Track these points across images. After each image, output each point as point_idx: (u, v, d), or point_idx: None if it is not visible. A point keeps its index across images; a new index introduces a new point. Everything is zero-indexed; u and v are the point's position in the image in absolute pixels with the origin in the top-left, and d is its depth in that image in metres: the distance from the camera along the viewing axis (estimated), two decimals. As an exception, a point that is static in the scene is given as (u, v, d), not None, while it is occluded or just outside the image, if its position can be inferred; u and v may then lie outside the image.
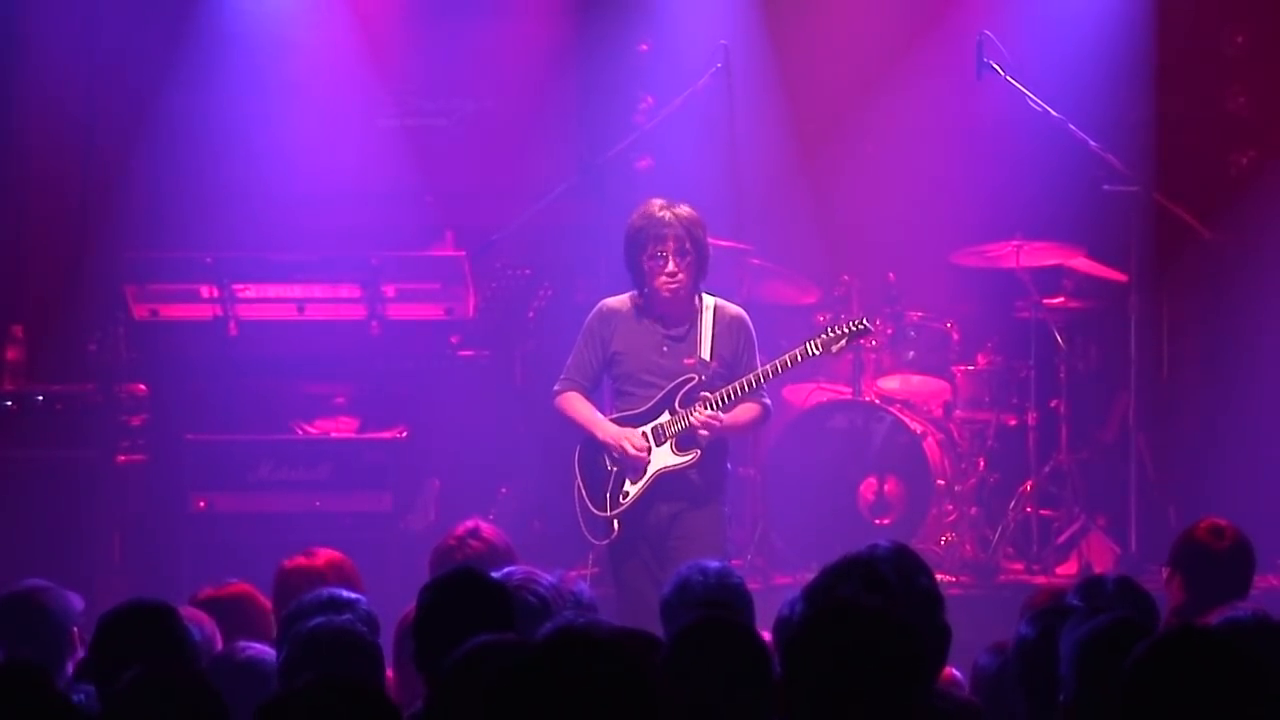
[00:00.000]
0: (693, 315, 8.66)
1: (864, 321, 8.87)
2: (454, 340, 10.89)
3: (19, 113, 12.20)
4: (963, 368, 11.56)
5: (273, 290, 10.80)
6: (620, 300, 8.74)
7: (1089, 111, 11.25)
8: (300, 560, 6.90)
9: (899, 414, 11.24)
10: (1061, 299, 11.57)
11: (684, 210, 8.57)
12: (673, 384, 8.61)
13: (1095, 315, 11.67)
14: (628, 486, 8.62)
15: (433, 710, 4.61)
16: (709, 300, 8.70)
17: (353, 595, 5.77)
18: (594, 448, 8.71)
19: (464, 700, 4.44)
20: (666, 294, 8.58)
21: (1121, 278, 11.31)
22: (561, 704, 3.15)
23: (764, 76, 12.14)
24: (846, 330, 8.77)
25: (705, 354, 8.62)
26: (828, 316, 11.46)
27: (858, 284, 11.63)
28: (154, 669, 4.65)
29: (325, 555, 6.93)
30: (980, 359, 11.59)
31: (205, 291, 10.72)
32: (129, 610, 5.45)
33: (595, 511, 8.67)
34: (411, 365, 10.85)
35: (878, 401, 11.32)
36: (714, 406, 8.54)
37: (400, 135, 12.74)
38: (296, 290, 10.81)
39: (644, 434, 8.62)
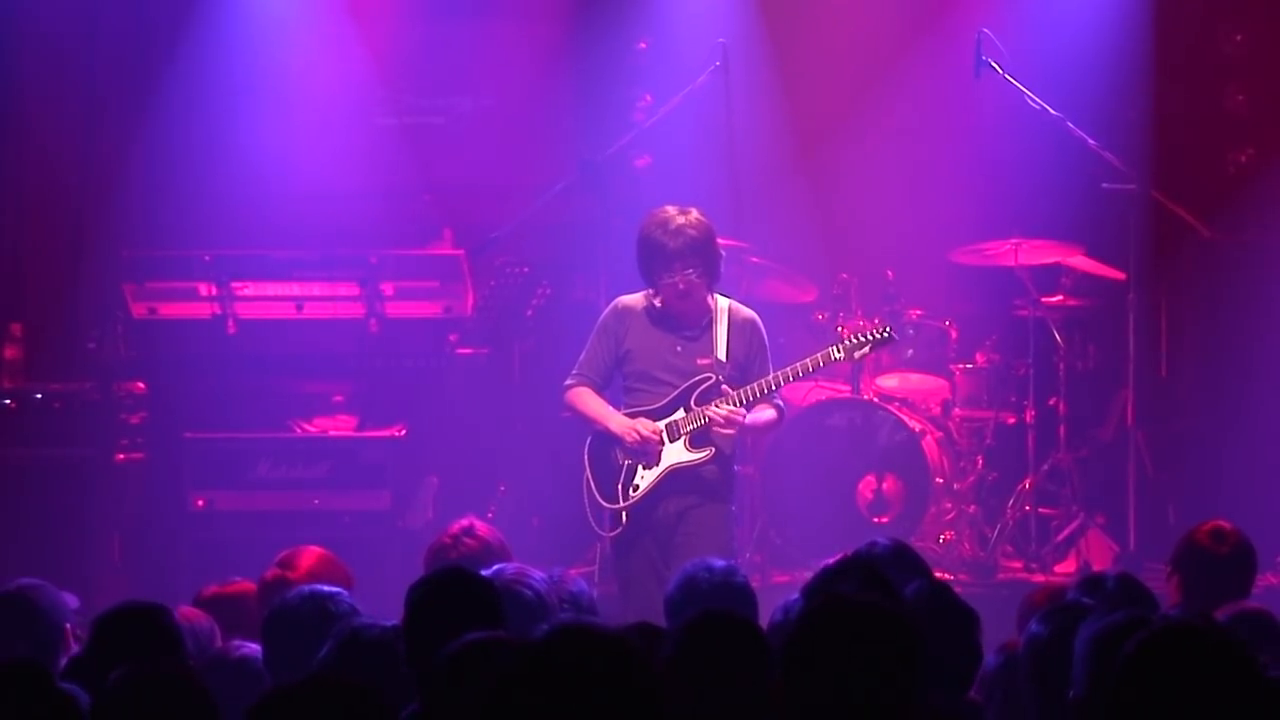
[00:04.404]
0: (707, 316, 8.69)
1: (889, 330, 8.90)
2: (452, 338, 10.89)
3: (17, 112, 12.20)
4: (961, 366, 11.56)
5: (271, 288, 10.80)
6: (635, 299, 8.76)
7: (1087, 109, 11.25)
8: (275, 572, 6.84)
9: (898, 412, 11.24)
10: (1060, 297, 11.57)
11: (693, 225, 8.54)
12: (688, 382, 8.64)
13: (1094, 313, 11.67)
14: (638, 480, 8.65)
15: (428, 709, 4.61)
16: (723, 302, 8.73)
17: (334, 589, 5.76)
18: (605, 441, 8.73)
19: (456, 697, 4.44)
20: (676, 308, 8.63)
21: (1120, 276, 11.31)
22: (563, 699, 3.15)
23: (762, 74, 12.14)
24: (871, 338, 8.80)
25: (720, 355, 8.64)
26: (826, 315, 11.48)
27: (856, 282, 11.63)
28: (143, 667, 4.65)
29: (305, 564, 6.85)
30: (979, 357, 11.59)
31: (204, 289, 10.72)
32: (124, 610, 5.45)
33: (604, 504, 8.70)
34: (410, 363, 10.85)
35: (877, 400, 11.32)
36: (741, 404, 8.57)
37: (398, 133, 12.74)
38: (295, 288, 10.81)
39: (658, 425, 8.65)
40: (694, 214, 8.58)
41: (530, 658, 3.17)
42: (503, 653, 4.47)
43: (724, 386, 8.60)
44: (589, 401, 8.77)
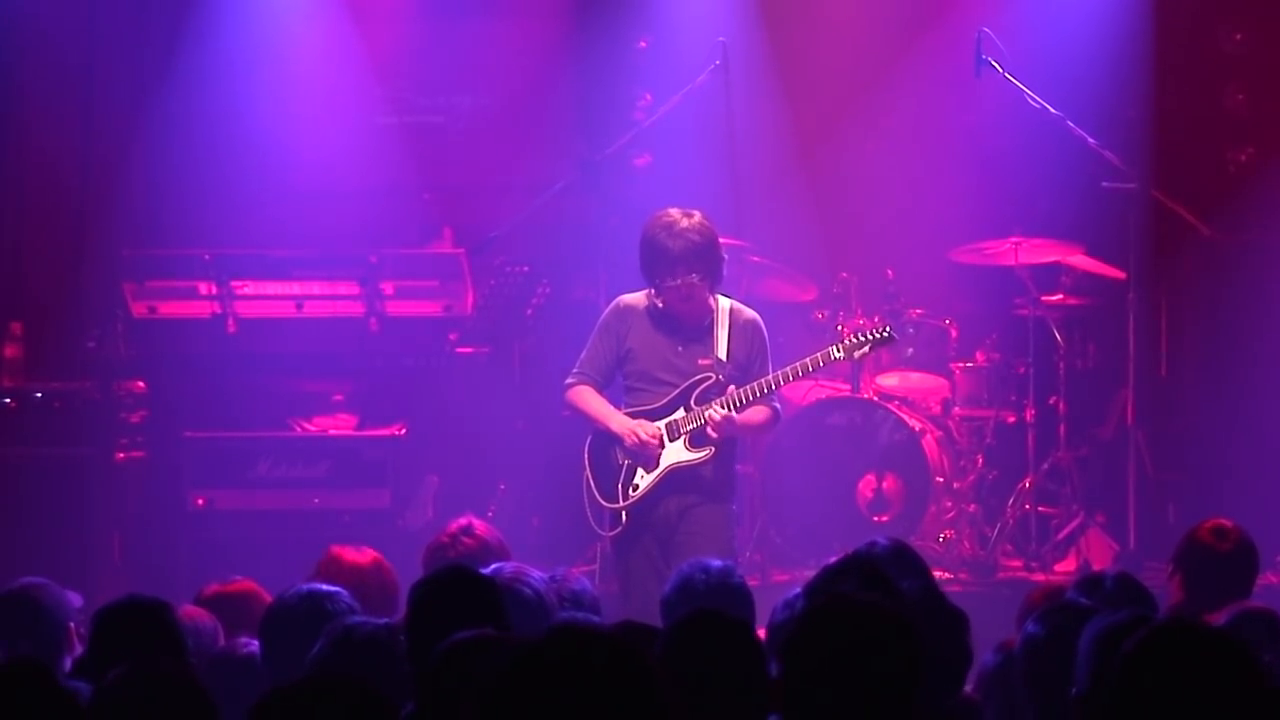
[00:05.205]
0: (708, 317, 8.69)
1: (889, 330, 8.90)
2: (452, 337, 10.89)
3: (18, 111, 12.20)
4: (961, 365, 11.56)
5: (271, 287, 10.80)
6: (637, 298, 8.76)
7: (1087, 108, 11.25)
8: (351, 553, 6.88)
9: (898, 411, 11.24)
10: (1060, 296, 11.57)
11: (697, 229, 8.53)
12: (688, 382, 8.64)
13: (1094, 312, 11.68)
14: (638, 479, 8.65)
15: (421, 707, 4.60)
16: (724, 302, 8.73)
17: (332, 588, 5.76)
18: (605, 440, 8.73)
19: (447, 695, 4.43)
20: (677, 310, 8.62)
21: (1120, 275, 11.31)
22: (562, 699, 3.15)
23: (762, 73, 12.14)
24: (871, 338, 8.80)
25: (721, 354, 8.64)
26: (826, 314, 11.48)
27: (856, 281, 11.63)
28: (141, 665, 4.65)
29: (371, 555, 6.91)
30: (979, 356, 11.59)
31: (204, 289, 10.72)
32: (125, 607, 5.45)
33: (604, 503, 8.70)
34: (410, 362, 10.85)
35: (876, 399, 11.33)
36: (730, 406, 8.57)
37: (398, 132, 12.74)
38: (295, 287, 10.81)
39: (658, 426, 8.65)
40: (698, 217, 8.58)
41: (528, 656, 3.16)
42: (493, 651, 4.47)
43: (729, 388, 8.60)
44: (590, 401, 8.77)
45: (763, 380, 8.61)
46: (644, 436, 8.61)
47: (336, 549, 6.90)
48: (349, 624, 5.21)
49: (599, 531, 8.87)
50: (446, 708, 4.45)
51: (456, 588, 5.26)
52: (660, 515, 8.62)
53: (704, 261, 8.54)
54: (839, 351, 8.74)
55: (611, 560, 9.15)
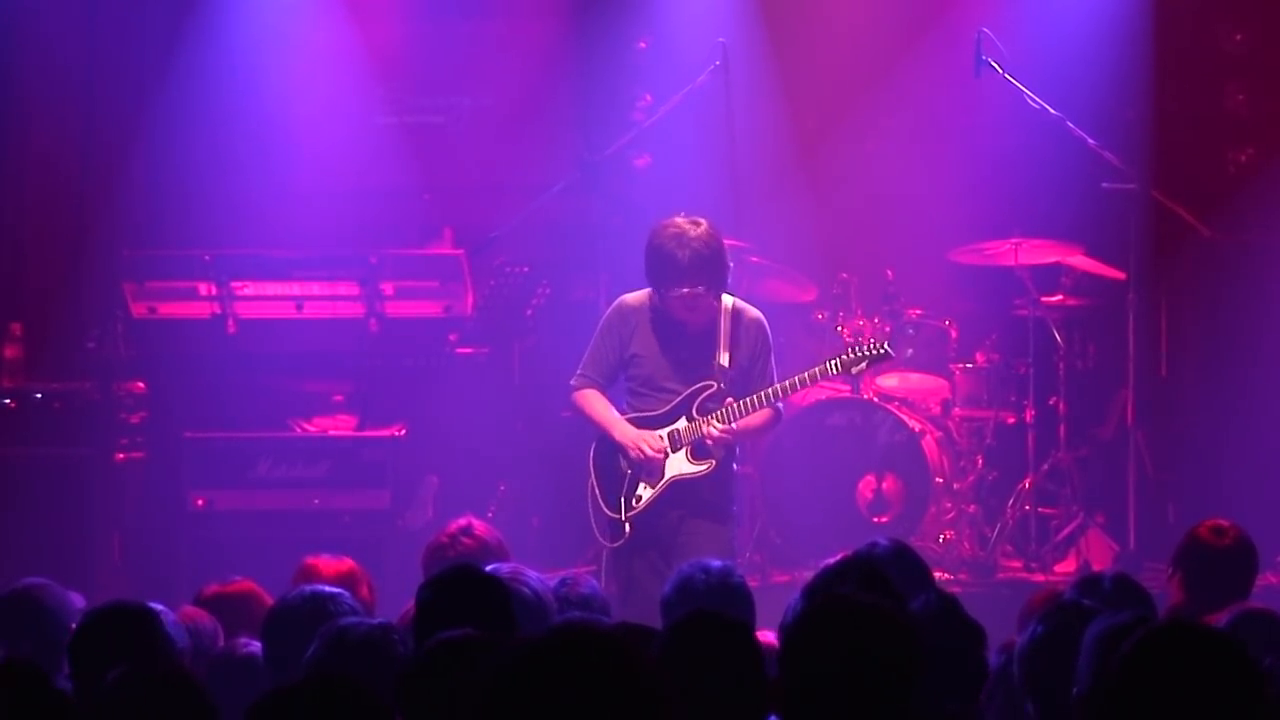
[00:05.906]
0: (711, 318, 8.67)
1: (885, 346, 8.89)
2: (452, 338, 10.89)
3: (18, 111, 12.20)
4: (961, 365, 11.56)
5: (271, 288, 10.79)
6: (639, 297, 8.74)
7: (1087, 109, 11.25)
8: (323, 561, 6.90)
9: (897, 412, 11.24)
10: (1060, 296, 11.57)
11: (704, 239, 8.50)
12: (690, 390, 8.62)
13: (1094, 313, 11.68)
14: (641, 490, 8.63)
15: (405, 708, 4.58)
16: (728, 301, 8.71)
17: (334, 589, 5.76)
18: (609, 447, 8.71)
19: (432, 695, 4.42)
20: (680, 318, 8.61)
21: (1120, 275, 11.31)
22: (561, 697, 3.15)
23: (762, 74, 12.14)
24: (867, 353, 8.80)
25: (724, 359, 8.62)
26: (826, 314, 11.48)
27: (856, 282, 11.63)
28: (139, 667, 4.64)
29: (348, 564, 6.92)
30: (979, 357, 11.59)
31: (204, 289, 10.71)
32: (107, 612, 5.43)
33: (609, 513, 8.68)
34: (410, 363, 10.84)
35: (876, 399, 11.32)
36: (728, 419, 8.55)
37: (399, 133, 12.74)
38: (295, 288, 10.80)
39: (661, 437, 8.63)
40: (704, 226, 8.54)
41: (528, 656, 3.16)
42: (477, 651, 4.46)
43: (728, 399, 8.58)
44: (595, 406, 8.75)
45: (760, 394, 8.59)
46: (649, 452, 8.59)
47: (310, 560, 6.90)
48: (343, 625, 5.19)
49: (603, 542, 8.85)
50: (429, 707, 4.43)
51: (463, 588, 5.25)
52: (663, 525, 8.61)
53: (710, 272, 8.52)
54: (836, 368, 8.75)
55: (612, 563, 9.14)
